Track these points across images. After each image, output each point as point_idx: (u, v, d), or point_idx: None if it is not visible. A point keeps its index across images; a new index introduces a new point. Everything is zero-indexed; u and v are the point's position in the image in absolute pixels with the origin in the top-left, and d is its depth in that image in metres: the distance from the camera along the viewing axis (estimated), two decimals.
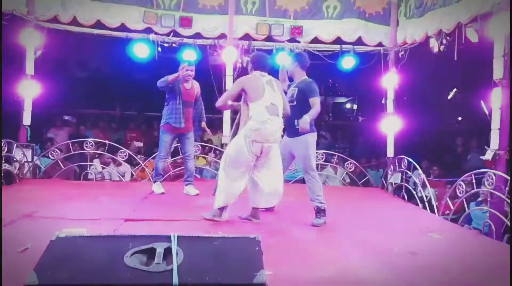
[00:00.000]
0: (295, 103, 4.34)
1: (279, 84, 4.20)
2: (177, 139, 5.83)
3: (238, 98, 4.29)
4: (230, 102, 4.29)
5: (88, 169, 6.98)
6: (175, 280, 1.83)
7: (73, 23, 6.87)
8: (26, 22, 6.60)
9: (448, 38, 5.81)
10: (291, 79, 4.64)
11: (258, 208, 4.22)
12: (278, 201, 4.31)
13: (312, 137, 4.32)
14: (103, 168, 7.18)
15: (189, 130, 5.64)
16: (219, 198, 4.09)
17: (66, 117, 10.73)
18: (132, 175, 7.15)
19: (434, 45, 6.09)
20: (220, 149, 7.31)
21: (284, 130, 4.23)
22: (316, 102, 4.25)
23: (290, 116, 4.27)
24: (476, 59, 5.71)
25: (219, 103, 4.22)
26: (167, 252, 1.98)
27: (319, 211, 4.26)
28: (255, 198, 4.17)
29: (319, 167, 7.18)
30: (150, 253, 1.98)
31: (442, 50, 5.91)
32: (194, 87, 5.63)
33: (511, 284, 2.68)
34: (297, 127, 4.18)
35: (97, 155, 7.16)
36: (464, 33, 5.37)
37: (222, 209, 4.11)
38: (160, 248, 1.99)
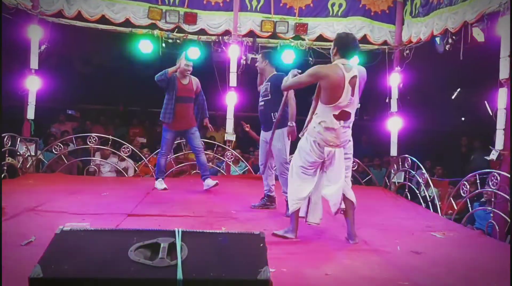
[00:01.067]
0: (269, 97, 4.52)
1: (362, 84, 3.50)
2: (180, 136, 5.81)
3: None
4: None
5: (92, 163, 6.98)
6: (179, 275, 1.82)
7: (77, 18, 6.89)
8: (30, 16, 6.62)
9: (454, 37, 5.78)
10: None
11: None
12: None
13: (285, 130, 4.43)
14: (101, 162, 7.16)
15: (191, 125, 5.57)
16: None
17: (70, 112, 10.73)
18: (135, 170, 7.15)
19: (440, 44, 6.06)
20: (223, 146, 7.30)
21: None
22: (289, 97, 4.30)
23: (266, 110, 4.55)
24: (482, 58, 5.68)
25: (285, 88, 3.85)
26: (172, 247, 1.97)
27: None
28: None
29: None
30: (154, 248, 1.97)
31: (447, 49, 5.88)
32: (192, 82, 5.59)
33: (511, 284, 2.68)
34: (273, 120, 4.38)
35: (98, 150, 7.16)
36: (470, 32, 5.34)
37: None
38: (164, 243, 1.98)
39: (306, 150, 3.51)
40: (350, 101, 3.37)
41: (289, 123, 4.38)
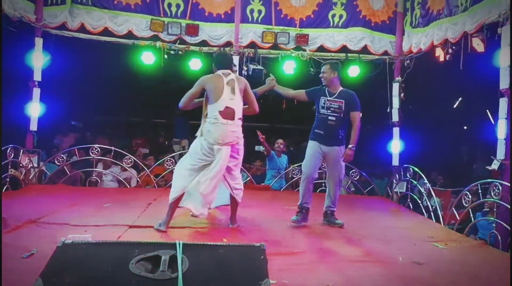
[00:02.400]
0: (342, 115, 4.66)
1: (242, 86, 4.10)
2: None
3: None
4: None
5: (93, 175, 7.00)
6: None
7: (81, 30, 6.96)
8: (34, 29, 6.68)
9: (454, 47, 5.81)
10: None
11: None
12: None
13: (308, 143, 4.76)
14: (104, 173, 7.18)
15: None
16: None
17: (73, 123, 10.79)
18: (137, 181, 7.16)
19: (440, 54, 6.09)
20: None
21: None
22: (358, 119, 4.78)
23: (336, 127, 4.66)
24: (482, 68, 5.70)
25: (181, 105, 4.16)
26: (172, 259, 1.98)
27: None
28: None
29: (324, 175, 7.17)
30: (155, 261, 1.98)
31: (448, 59, 5.91)
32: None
33: None
34: (339, 137, 4.71)
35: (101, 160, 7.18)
36: (470, 42, 5.37)
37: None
38: (165, 255, 1.99)
39: (196, 149, 4.04)
40: (232, 99, 3.99)
41: (350, 146, 4.59)
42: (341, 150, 4.65)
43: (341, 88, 4.73)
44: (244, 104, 4.20)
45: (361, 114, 4.71)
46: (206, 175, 3.95)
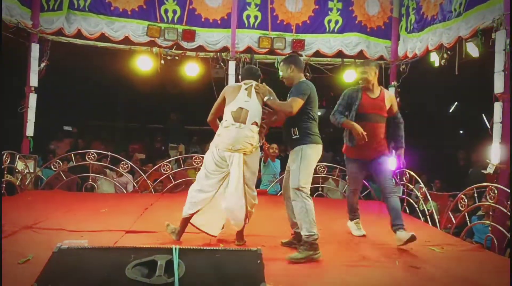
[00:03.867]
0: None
1: (264, 91, 3.84)
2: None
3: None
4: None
5: (89, 180, 6.98)
6: None
7: (77, 36, 6.97)
8: (30, 34, 6.69)
9: (448, 52, 5.86)
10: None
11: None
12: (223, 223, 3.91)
13: (308, 148, 3.65)
14: (99, 178, 7.15)
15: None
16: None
17: (66, 128, 10.75)
18: (134, 186, 7.15)
19: (435, 59, 6.14)
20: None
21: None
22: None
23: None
24: (477, 73, 5.75)
25: (209, 118, 4.00)
26: (169, 264, 1.98)
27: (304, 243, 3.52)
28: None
29: (320, 180, 7.19)
30: (152, 266, 1.98)
31: (443, 64, 5.95)
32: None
33: None
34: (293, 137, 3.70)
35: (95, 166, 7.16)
36: (464, 47, 5.41)
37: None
38: (161, 260, 1.99)
39: (208, 158, 3.80)
40: (247, 101, 3.76)
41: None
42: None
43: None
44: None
45: (298, 99, 3.60)
46: (224, 189, 3.73)
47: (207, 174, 3.78)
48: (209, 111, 4.01)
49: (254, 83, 3.89)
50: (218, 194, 3.77)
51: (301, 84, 3.70)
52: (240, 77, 4.29)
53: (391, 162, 4.42)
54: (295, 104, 3.58)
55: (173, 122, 10.24)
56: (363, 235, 4.45)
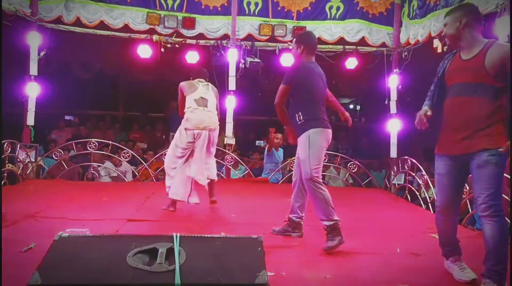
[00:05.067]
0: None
1: (216, 92, 4.82)
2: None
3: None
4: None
5: (91, 169, 6.98)
6: (177, 280, 1.83)
7: (76, 24, 6.91)
8: (29, 23, 6.64)
9: None
10: None
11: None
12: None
13: (314, 134, 3.49)
14: (98, 166, 7.14)
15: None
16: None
17: (68, 117, 10.75)
18: (135, 175, 7.16)
19: (438, 46, 6.08)
20: (223, 150, 7.31)
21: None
22: None
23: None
24: None
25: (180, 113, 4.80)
26: (170, 252, 1.98)
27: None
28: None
29: (323, 168, 7.18)
30: (153, 253, 1.98)
31: (446, 50, 5.88)
32: None
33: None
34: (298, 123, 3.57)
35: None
36: None
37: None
38: (162, 248, 1.99)
39: (177, 138, 4.62)
40: (206, 92, 4.66)
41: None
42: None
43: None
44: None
45: (281, 87, 3.58)
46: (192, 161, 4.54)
47: (176, 151, 4.61)
48: None
49: (208, 83, 4.82)
50: (183, 166, 4.58)
51: (290, 70, 3.70)
52: (191, 76, 4.92)
53: (499, 162, 2.56)
54: (278, 92, 3.61)
55: (173, 110, 10.21)
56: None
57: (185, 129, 4.56)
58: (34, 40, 6.66)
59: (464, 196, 4.85)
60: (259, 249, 2.09)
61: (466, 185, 4.75)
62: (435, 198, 3.14)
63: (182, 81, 4.79)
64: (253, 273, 1.92)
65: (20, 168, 6.27)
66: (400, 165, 6.60)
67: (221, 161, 7.28)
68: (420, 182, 5.99)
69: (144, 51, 7.13)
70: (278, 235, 3.82)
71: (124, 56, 7.57)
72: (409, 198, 6.21)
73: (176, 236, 2.06)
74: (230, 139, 7.24)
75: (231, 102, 7.18)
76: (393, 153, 7.18)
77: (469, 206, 4.83)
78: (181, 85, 4.73)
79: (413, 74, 7.24)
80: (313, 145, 3.46)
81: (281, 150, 7.44)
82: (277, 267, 2.81)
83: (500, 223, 2.55)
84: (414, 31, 6.68)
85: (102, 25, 6.96)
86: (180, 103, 4.76)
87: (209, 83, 4.83)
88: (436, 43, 6.14)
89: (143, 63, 7.48)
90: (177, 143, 4.62)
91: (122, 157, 6.97)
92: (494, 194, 2.54)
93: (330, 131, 3.58)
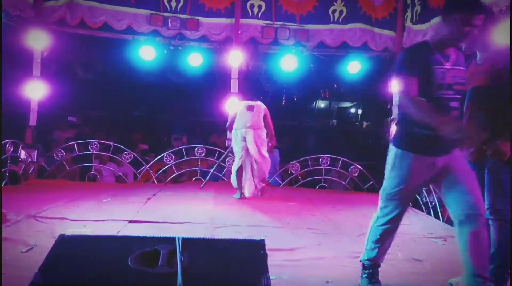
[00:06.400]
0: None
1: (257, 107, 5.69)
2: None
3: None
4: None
5: (92, 170, 6.98)
6: (179, 282, 1.82)
7: (80, 26, 6.93)
8: (33, 24, 6.65)
9: None
10: None
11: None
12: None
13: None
14: (100, 167, 7.14)
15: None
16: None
17: (70, 119, 10.77)
18: (136, 176, 7.15)
19: None
20: (223, 151, 7.30)
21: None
22: None
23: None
24: None
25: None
26: (172, 254, 1.97)
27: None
28: None
29: (323, 171, 7.18)
30: (155, 255, 1.97)
31: None
32: None
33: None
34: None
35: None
36: None
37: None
38: (164, 250, 1.98)
39: (233, 143, 5.72)
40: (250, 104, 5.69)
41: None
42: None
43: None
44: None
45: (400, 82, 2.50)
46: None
47: (235, 152, 5.71)
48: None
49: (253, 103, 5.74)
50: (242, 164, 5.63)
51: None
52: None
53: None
54: None
55: (177, 114, 10.26)
56: None
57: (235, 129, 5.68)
58: (37, 41, 6.67)
59: None
60: (262, 252, 2.08)
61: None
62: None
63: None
64: (256, 276, 1.91)
65: (22, 168, 6.27)
66: None
67: (222, 164, 7.28)
68: None
69: (147, 53, 7.15)
70: (282, 239, 3.81)
71: (127, 58, 7.58)
72: (410, 203, 6.19)
73: (179, 239, 2.05)
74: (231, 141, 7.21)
75: (233, 104, 7.17)
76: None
77: None
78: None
79: None
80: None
81: (276, 151, 7.40)
82: (279, 270, 2.80)
83: (504, 227, 2.62)
84: (417, 36, 6.68)
85: (105, 27, 6.97)
86: (230, 119, 5.88)
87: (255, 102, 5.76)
88: None
89: (146, 65, 7.49)
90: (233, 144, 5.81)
91: (123, 158, 6.97)
92: (500, 198, 2.62)
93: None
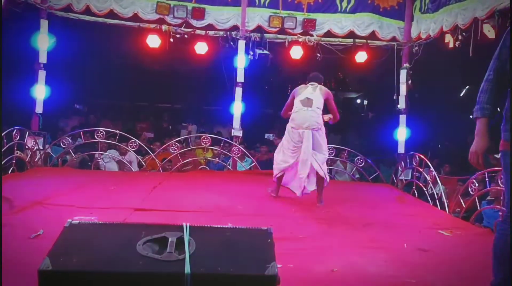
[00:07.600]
0: None
1: (324, 91, 4.90)
2: None
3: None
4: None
5: (98, 157, 6.99)
6: (187, 269, 1.83)
7: (86, 13, 6.90)
8: (39, 10, 6.63)
9: (464, 33, 5.72)
10: None
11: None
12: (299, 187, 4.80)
13: None
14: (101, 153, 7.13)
15: None
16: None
17: (77, 106, 10.79)
18: (141, 165, 7.17)
19: (450, 41, 6.00)
20: (230, 141, 7.30)
21: None
22: None
23: None
24: (492, 56, 5.60)
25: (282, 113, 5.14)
26: (179, 241, 1.97)
27: None
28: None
29: (329, 162, 7.17)
30: (162, 242, 1.98)
31: (457, 46, 5.82)
32: None
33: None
34: None
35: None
36: (480, 29, 5.28)
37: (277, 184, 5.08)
38: (172, 237, 1.98)
39: (286, 137, 4.90)
40: (311, 93, 4.83)
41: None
42: None
43: None
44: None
45: None
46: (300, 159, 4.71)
47: (284, 150, 4.87)
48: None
49: (318, 85, 4.94)
50: (295, 163, 4.78)
51: None
52: (307, 79, 5.02)
53: None
54: None
55: (183, 103, 10.26)
56: None
57: (291, 128, 4.84)
58: (43, 28, 6.65)
59: (472, 193, 4.82)
60: (269, 240, 2.09)
61: (475, 181, 4.77)
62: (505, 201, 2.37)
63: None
64: (263, 264, 1.91)
65: (29, 155, 6.30)
66: (408, 161, 6.56)
67: (228, 153, 7.29)
68: (428, 178, 5.95)
69: (153, 41, 7.11)
70: (288, 227, 3.82)
71: (133, 46, 7.55)
72: (416, 194, 6.18)
73: (186, 226, 2.06)
74: (237, 131, 7.22)
75: (239, 94, 7.15)
76: (401, 148, 7.13)
77: (477, 203, 4.80)
78: (295, 89, 5.03)
79: (423, 69, 7.17)
80: None
81: None
82: (285, 259, 2.81)
83: None
84: (426, 25, 6.61)
85: (111, 14, 6.93)
86: (286, 106, 5.06)
87: (319, 85, 4.95)
88: (448, 38, 6.06)
89: (152, 53, 7.46)
90: (284, 142, 4.94)
91: (129, 146, 6.97)
92: None
93: None
